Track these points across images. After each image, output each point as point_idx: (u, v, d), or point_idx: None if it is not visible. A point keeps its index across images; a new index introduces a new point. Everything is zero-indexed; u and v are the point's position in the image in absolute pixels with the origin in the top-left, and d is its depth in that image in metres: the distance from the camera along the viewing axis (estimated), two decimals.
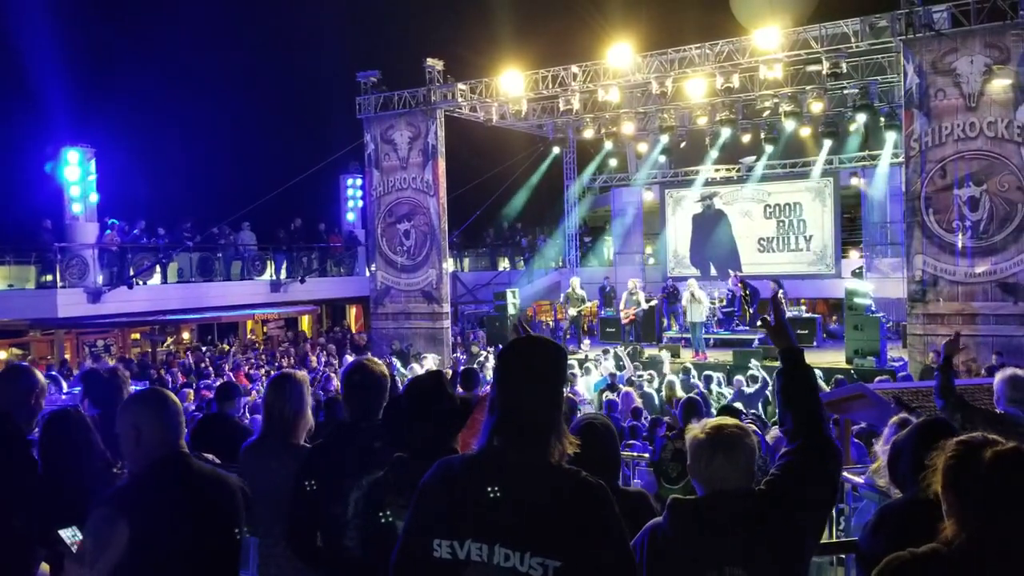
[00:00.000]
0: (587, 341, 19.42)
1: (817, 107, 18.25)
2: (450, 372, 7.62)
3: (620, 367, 14.47)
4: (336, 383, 13.10)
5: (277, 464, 3.73)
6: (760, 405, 11.44)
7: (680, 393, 11.16)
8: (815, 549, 2.82)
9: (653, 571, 2.51)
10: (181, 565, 2.73)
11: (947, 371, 4.72)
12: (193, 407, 11.18)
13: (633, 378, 13.45)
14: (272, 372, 15.50)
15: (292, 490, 3.45)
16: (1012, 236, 13.58)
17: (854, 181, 22.48)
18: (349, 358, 16.83)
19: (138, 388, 4.21)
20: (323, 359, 17.84)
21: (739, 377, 12.61)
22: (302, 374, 4.08)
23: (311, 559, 3.41)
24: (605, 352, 16.20)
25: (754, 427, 6.52)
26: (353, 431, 3.51)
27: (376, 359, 3.87)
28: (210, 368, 16.07)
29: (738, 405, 10.18)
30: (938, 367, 4.85)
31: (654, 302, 19.46)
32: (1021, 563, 2.10)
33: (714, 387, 13.04)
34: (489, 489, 2.14)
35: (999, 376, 4.82)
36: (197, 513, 2.79)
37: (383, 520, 2.93)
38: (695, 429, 2.63)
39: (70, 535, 2.79)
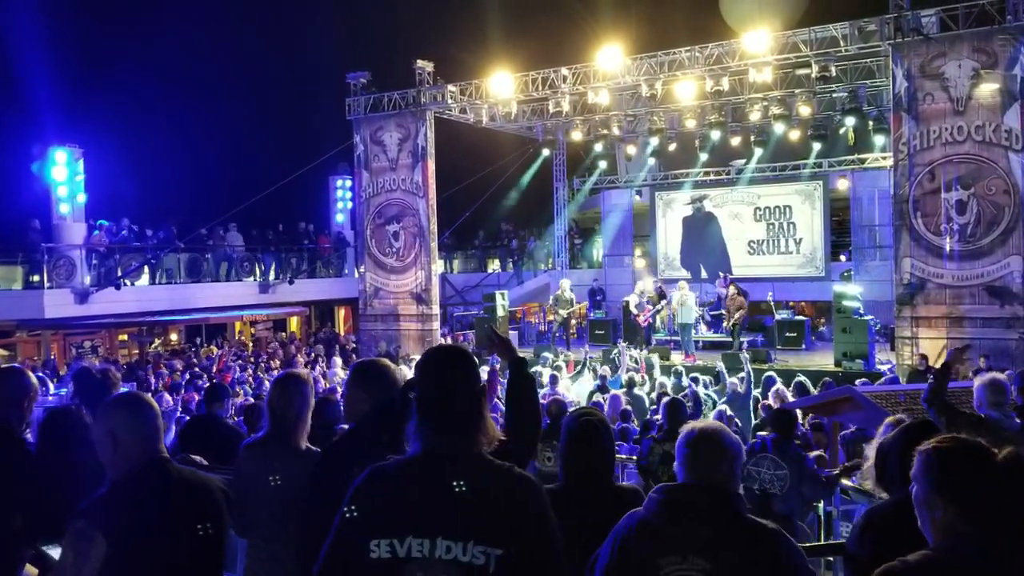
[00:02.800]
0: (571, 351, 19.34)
1: (806, 110, 18.32)
2: None
3: (615, 368, 14.43)
4: (324, 384, 13.06)
5: (280, 465, 3.67)
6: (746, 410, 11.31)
7: (670, 392, 11.14)
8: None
9: (623, 549, 2.58)
10: (164, 572, 2.69)
11: (943, 378, 4.54)
12: (179, 410, 11.10)
13: (625, 379, 13.38)
14: (259, 374, 15.47)
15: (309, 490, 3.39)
16: (999, 240, 13.64)
17: (843, 184, 22.55)
18: (337, 359, 16.78)
19: (125, 390, 4.18)
20: (313, 359, 17.74)
21: (732, 380, 12.56)
22: (307, 374, 4.03)
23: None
24: (613, 351, 16.09)
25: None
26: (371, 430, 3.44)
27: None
28: (197, 368, 15.98)
29: (725, 407, 10.17)
30: (936, 371, 4.68)
31: (674, 305, 19.47)
32: (1015, 566, 2.09)
33: (700, 389, 12.99)
34: (427, 485, 2.21)
35: (978, 381, 4.81)
36: (178, 520, 2.75)
37: None
38: (692, 422, 2.77)
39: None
